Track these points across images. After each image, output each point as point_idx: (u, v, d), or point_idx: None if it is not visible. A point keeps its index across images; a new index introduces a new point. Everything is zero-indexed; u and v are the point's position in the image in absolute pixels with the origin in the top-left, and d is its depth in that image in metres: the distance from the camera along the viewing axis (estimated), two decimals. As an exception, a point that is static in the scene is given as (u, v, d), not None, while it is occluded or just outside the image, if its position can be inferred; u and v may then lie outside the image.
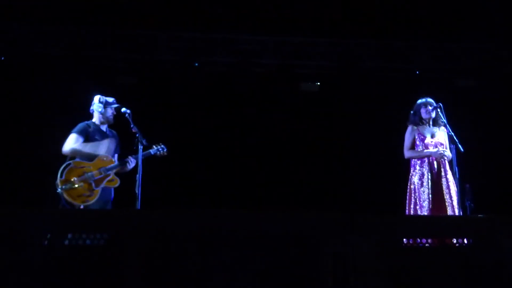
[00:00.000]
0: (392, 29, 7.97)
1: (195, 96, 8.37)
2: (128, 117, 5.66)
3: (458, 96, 8.28)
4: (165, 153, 5.94)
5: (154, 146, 5.87)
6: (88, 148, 5.61)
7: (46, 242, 3.28)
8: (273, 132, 8.41)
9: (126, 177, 5.67)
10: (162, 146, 5.93)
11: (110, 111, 5.79)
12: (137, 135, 5.54)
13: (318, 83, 8.69)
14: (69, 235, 3.34)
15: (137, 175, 5.40)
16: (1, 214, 3.28)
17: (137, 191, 5.33)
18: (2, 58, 8.02)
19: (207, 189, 8.00)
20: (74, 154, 5.52)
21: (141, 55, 8.16)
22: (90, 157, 5.57)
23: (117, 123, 5.90)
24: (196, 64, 8.35)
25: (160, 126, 7.58)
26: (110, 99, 5.82)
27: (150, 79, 8.30)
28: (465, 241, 3.86)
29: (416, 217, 5.26)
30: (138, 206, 5.31)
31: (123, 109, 5.74)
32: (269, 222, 3.38)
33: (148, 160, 5.81)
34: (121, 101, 5.91)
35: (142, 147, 5.54)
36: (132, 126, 5.60)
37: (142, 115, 6.89)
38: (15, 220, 3.23)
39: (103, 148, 5.69)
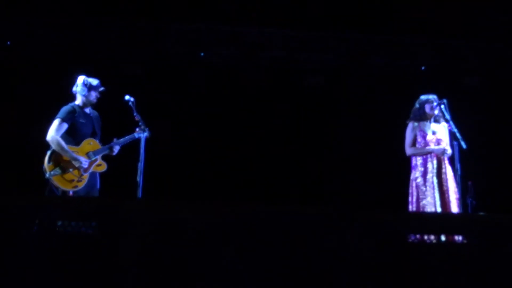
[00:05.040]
0: (399, 25, 7.92)
1: (201, 88, 8.35)
2: (131, 105, 5.64)
3: (463, 94, 8.27)
4: (147, 136, 5.68)
5: (137, 129, 5.71)
6: (73, 133, 5.50)
7: (35, 229, 3.22)
8: (277, 125, 8.40)
9: (129, 165, 5.65)
10: (145, 129, 5.74)
11: (94, 94, 5.62)
12: (140, 123, 5.56)
13: (324, 78, 8.64)
14: (62, 223, 3.35)
15: (139, 163, 5.41)
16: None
17: (138, 180, 5.35)
18: (8, 43, 7.96)
19: (207, 181, 7.98)
20: (56, 147, 5.36)
21: (147, 46, 8.13)
22: (75, 143, 5.48)
23: (119, 111, 5.87)
24: (202, 54, 8.31)
25: (163, 116, 7.57)
26: (95, 82, 5.65)
27: (155, 70, 8.28)
28: (466, 239, 3.89)
29: (419, 214, 5.27)
30: (140, 195, 5.32)
31: (127, 97, 5.68)
32: (268, 216, 3.35)
33: (150, 150, 5.78)
34: (126, 91, 5.90)
35: (145, 135, 5.55)
36: (135, 114, 5.60)
37: (147, 105, 6.92)
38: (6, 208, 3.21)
39: (89, 131, 5.61)
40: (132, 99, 5.67)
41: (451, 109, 5.96)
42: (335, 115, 8.54)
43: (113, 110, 6.05)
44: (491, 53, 8.47)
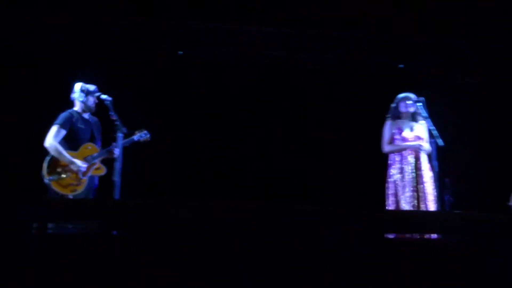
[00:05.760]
0: (399, 25, 7.92)
1: (196, 87, 8.28)
2: (108, 104, 5.66)
3: (443, 92, 8.34)
4: (148, 139, 5.94)
5: (136, 132, 5.89)
6: (71, 138, 5.62)
7: (34, 231, 3.28)
8: (270, 124, 8.37)
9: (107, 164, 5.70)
10: (145, 131, 5.94)
11: (92, 100, 5.77)
12: (116, 122, 5.55)
13: (321, 77, 8.59)
14: (69, 225, 3.38)
15: (116, 163, 5.43)
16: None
17: (116, 179, 5.35)
18: None
19: (205, 181, 7.93)
20: (55, 153, 5.49)
21: (141, 44, 8.07)
22: (74, 148, 5.59)
23: (96, 110, 5.89)
24: (181, 53, 8.27)
25: (155, 115, 7.53)
26: (92, 87, 5.78)
27: (148, 68, 8.20)
28: (444, 236, 3.96)
29: (397, 212, 5.34)
30: (117, 194, 5.32)
31: (103, 96, 5.72)
32: (253, 214, 3.38)
33: (132, 148, 5.84)
34: (117, 89, 5.93)
35: (122, 135, 5.55)
36: (111, 113, 5.60)
37: (139, 103, 6.89)
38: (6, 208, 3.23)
39: (87, 136, 5.72)
40: (109, 98, 5.70)
41: (434, 107, 6.07)
42: (334, 115, 8.44)
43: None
44: (478, 52, 8.52)
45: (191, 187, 7.82)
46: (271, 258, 3.23)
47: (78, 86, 5.78)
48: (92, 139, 5.74)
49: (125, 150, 5.74)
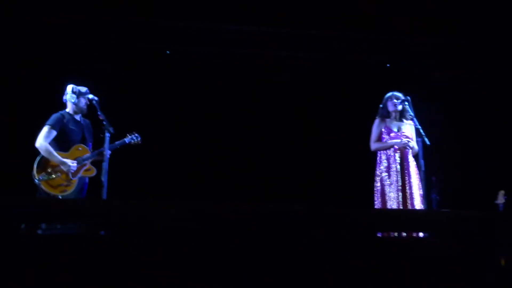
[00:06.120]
0: (375, 23, 7.92)
1: (171, 86, 8.18)
2: (95, 104, 5.68)
3: (427, 91, 8.38)
4: (139, 142, 5.98)
5: (128, 135, 5.94)
6: (62, 139, 5.64)
7: (22, 232, 3.27)
8: (249, 123, 8.32)
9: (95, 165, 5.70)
10: (136, 135, 5.97)
11: (83, 101, 5.80)
12: (103, 122, 5.55)
13: (298, 75, 8.60)
14: (58, 225, 3.37)
15: (104, 163, 5.44)
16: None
17: (103, 180, 5.37)
18: None
19: (177, 180, 7.88)
20: (45, 153, 5.52)
21: (118, 42, 7.97)
22: (65, 149, 5.60)
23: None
24: (168, 52, 8.26)
25: (135, 115, 7.50)
26: (83, 89, 5.82)
27: (126, 67, 8.12)
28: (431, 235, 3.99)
29: (385, 211, 5.37)
30: (104, 195, 5.35)
31: (90, 96, 5.77)
32: (239, 214, 3.39)
33: (120, 149, 5.85)
34: (97, 89, 5.92)
35: (109, 135, 5.55)
36: (99, 113, 5.60)
37: (117, 103, 6.89)
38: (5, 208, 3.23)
39: (78, 137, 5.74)
40: (96, 98, 5.74)
41: (418, 106, 6.11)
42: (310, 113, 8.54)
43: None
44: (458, 51, 8.59)
45: (183, 187, 7.82)
46: (271, 258, 3.24)
47: (69, 88, 5.82)
48: (83, 141, 5.78)
49: (115, 150, 5.77)
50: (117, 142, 5.79)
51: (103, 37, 7.85)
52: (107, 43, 7.94)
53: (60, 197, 5.48)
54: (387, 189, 5.95)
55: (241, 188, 7.87)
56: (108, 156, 5.55)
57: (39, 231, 3.42)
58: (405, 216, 4.11)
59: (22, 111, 7.38)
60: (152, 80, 8.19)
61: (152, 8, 7.61)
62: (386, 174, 6.00)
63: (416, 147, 5.98)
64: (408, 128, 6.15)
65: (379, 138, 6.16)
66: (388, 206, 5.86)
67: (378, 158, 6.15)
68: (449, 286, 3.33)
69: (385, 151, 6.08)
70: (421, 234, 4.77)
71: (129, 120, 6.55)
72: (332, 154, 8.43)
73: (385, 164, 6.04)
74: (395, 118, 6.20)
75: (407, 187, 5.91)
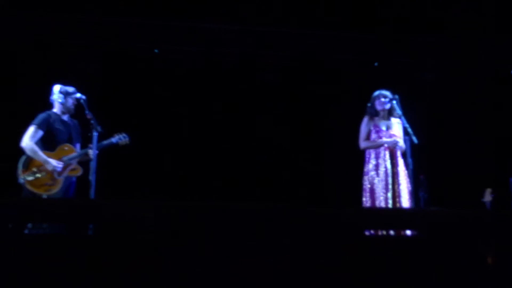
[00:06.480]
0: (359, 22, 7.92)
1: (159, 85, 8.15)
2: (83, 103, 5.64)
3: (416, 89, 8.40)
4: (127, 142, 5.92)
5: (115, 135, 5.88)
6: (49, 139, 5.60)
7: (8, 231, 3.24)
8: (236, 122, 8.32)
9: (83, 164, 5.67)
10: (124, 135, 5.91)
11: (70, 101, 5.77)
12: (91, 121, 5.51)
13: (283, 75, 8.59)
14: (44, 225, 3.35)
15: (92, 162, 5.41)
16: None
17: (91, 179, 5.33)
18: None
19: (167, 180, 7.87)
20: (30, 153, 5.48)
21: (105, 42, 7.96)
22: (51, 148, 5.56)
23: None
24: (156, 51, 8.23)
25: (122, 114, 7.48)
26: (71, 89, 5.78)
27: (114, 66, 8.09)
28: (419, 233, 4.00)
29: (374, 209, 5.38)
30: (93, 194, 5.31)
31: (78, 95, 5.73)
32: (225, 214, 3.39)
33: (109, 149, 5.82)
34: (84, 88, 5.89)
35: (97, 133, 5.51)
36: (86, 112, 5.57)
37: (105, 102, 6.85)
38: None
39: (65, 137, 5.70)
40: (83, 97, 5.71)
41: (406, 104, 6.12)
42: (296, 113, 8.53)
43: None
44: (445, 49, 8.61)
45: (172, 187, 7.80)
46: (270, 258, 3.24)
47: (56, 88, 5.79)
48: (70, 141, 5.74)
49: (103, 149, 5.74)
50: (104, 142, 5.73)
51: (90, 36, 7.81)
52: (95, 42, 7.89)
53: (45, 197, 5.42)
54: (376, 187, 5.96)
55: (232, 187, 7.88)
56: (95, 155, 5.50)
57: (26, 231, 3.41)
58: (393, 214, 4.12)
59: (6, 112, 7.33)
60: (140, 79, 8.15)
61: (140, 7, 7.57)
62: (374, 172, 6.01)
63: (403, 145, 6.00)
64: (396, 127, 6.16)
65: (368, 137, 6.17)
66: (377, 205, 5.87)
67: (366, 156, 6.15)
68: (436, 284, 3.34)
69: (374, 150, 6.09)
70: (408, 232, 4.81)
71: (118, 119, 6.50)
72: (324, 152, 8.43)
73: (374, 163, 6.05)
74: (383, 116, 6.21)
75: (396, 185, 5.92)
